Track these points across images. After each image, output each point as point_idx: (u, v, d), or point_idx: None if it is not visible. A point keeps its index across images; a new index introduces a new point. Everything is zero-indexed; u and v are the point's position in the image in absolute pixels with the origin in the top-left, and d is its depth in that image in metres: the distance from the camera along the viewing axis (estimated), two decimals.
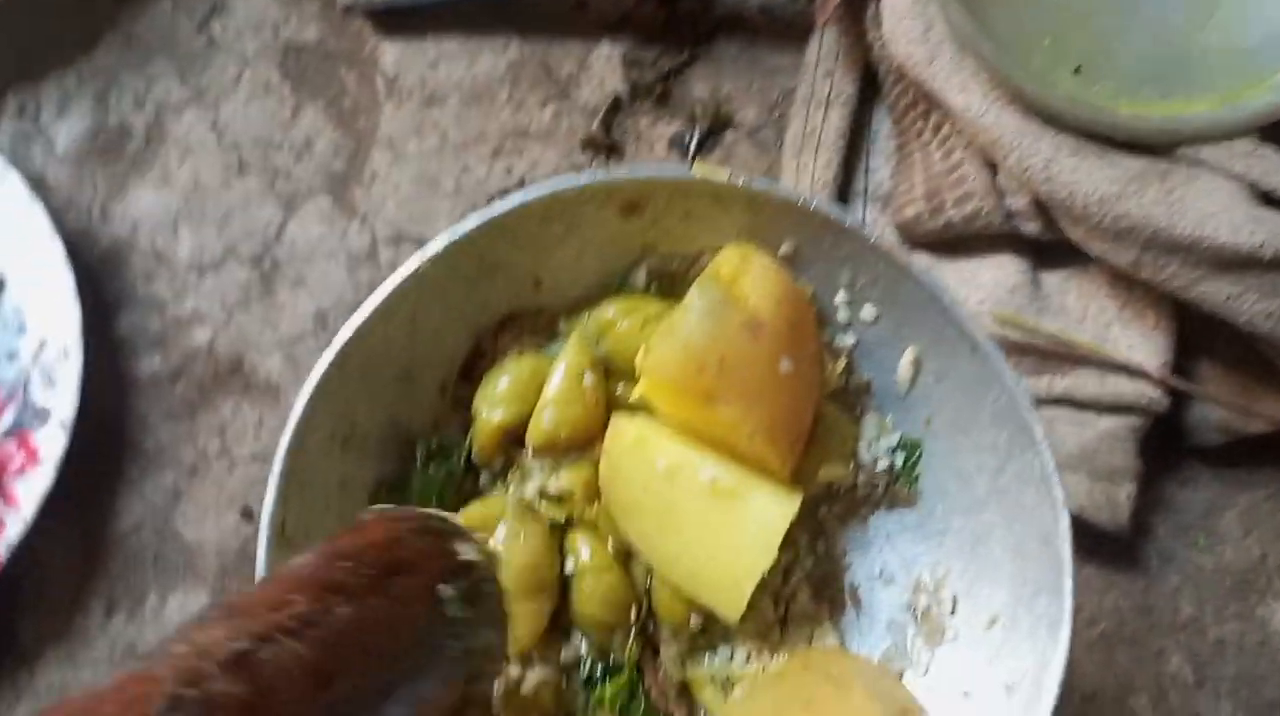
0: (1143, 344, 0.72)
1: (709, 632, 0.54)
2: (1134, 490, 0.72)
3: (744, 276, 0.52)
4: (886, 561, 0.57)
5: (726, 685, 0.54)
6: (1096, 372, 0.72)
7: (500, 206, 0.52)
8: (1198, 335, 0.73)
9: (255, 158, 0.84)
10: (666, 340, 0.50)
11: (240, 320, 0.81)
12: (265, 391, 0.79)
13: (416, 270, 0.51)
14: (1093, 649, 0.73)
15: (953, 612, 0.53)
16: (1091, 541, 0.73)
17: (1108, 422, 0.72)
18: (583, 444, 0.53)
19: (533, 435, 0.53)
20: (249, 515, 0.77)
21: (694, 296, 0.50)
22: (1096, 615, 0.74)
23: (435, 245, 0.52)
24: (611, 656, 0.54)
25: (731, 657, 0.54)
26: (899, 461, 0.56)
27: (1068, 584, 0.48)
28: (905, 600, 0.55)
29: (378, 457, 0.54)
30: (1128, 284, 0.73)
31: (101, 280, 0.81)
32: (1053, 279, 0.75)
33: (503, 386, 0.54)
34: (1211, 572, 0.74)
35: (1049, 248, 0.75)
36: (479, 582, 0.40)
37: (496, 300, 0.56)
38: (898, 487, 0.56)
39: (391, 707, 0.34)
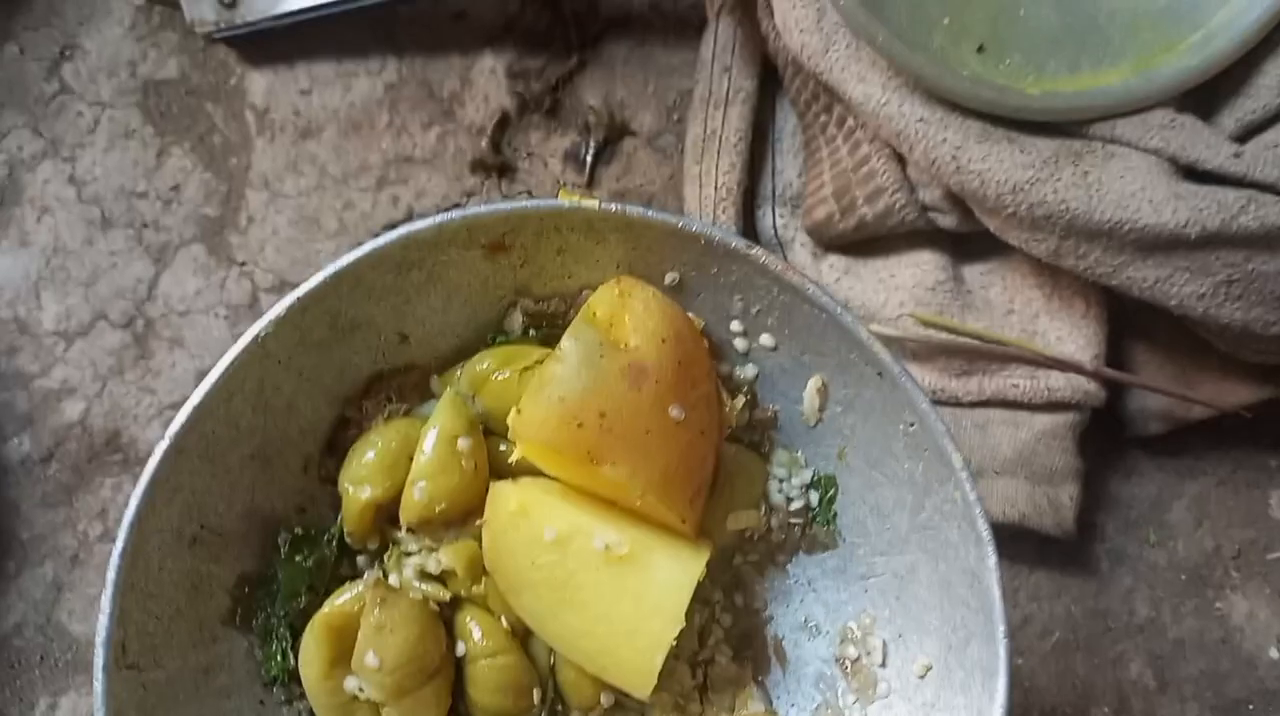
0: (1073, 334, 0.68)
1: (624, 709, 0.50)
2: (1077, 490, 0.68)
3: (624, 315, 0.47)
4: (810, 610, 0.52)
5: None
6: (1028, 369, 0.68)
7: (346, 258, 0.47)
8: (1130, 320, 0.69)
9: (119, 210, 0.78)
10: (538, 397, 0.45)
11: (114, 389, 0.74)
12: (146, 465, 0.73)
13: (255, 339, 0.46)
14: (1048, 660, 0.69)
15: (883, 664, 0.49)
16: (1038, 546, 0.69)
17: (1044, 421, 0.68)
18: (463, 516, 0.48)
19: (405, 511, 0.48)
20: None
21: (566, 344, 0.45)
22: (1049, 624, 0.70)
23: (276, 310, 0.46)
24: None
25: None
26: (814, 500, 0.51)
27: (1000, 629, 0.44)
28: (833, 652, 0.51)
29: (237, 553, 0.48)
30: (1053, 272, 0.69)
31: None
32: (975, 272, 0.71)
33: (369, 459, 0.49)
34: (1165, 569, 0.70)
35: (968, 240, 0.71)
36: None
37: (358, 362, 0.50)
38: (815, 529, 0.51)
39: None
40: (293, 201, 0.79)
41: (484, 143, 0.80)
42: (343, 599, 0.47)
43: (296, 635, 0.49)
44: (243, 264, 0.77)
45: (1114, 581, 0.70)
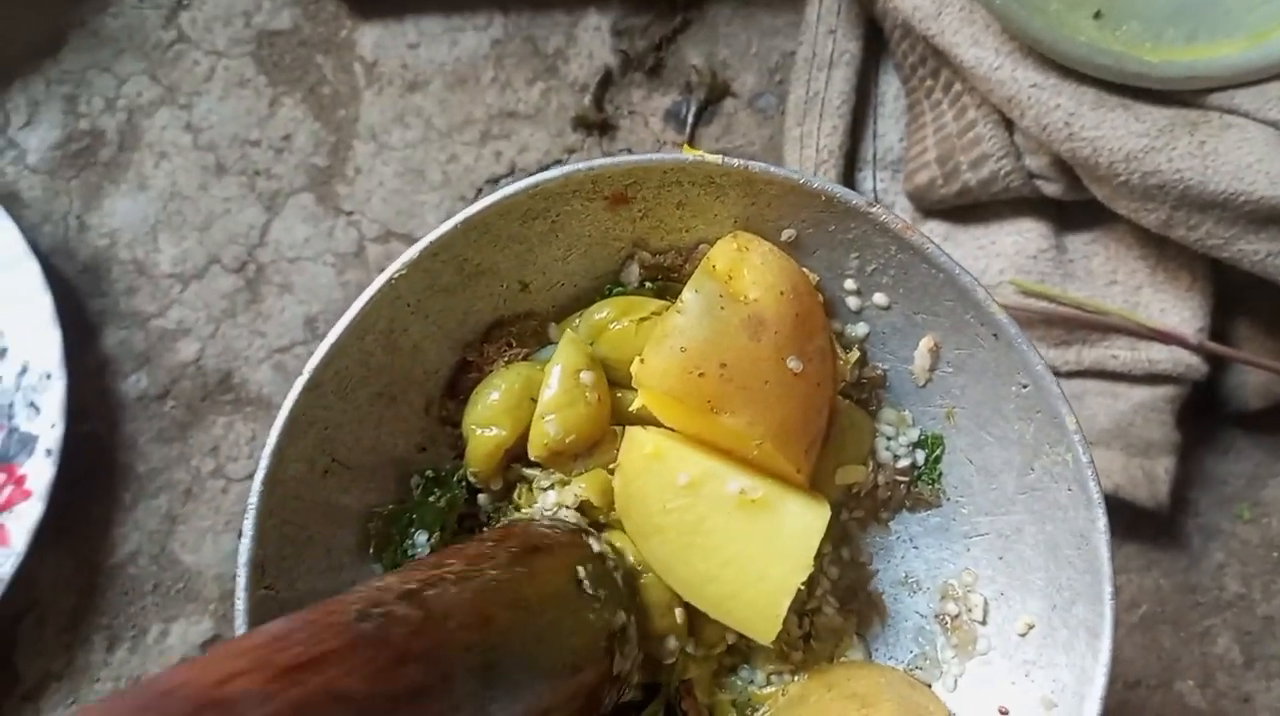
0: (1177, 307, 0.68)
1: (732, 650, 0.51)
2: (1172, 464, 0.68)
3: (742, 268, 0.48)
4: (912, 567, 0.53)
5: (748, 710, 0.51)
6: (1128, 341, 0.68)
7: (476, 206, 0.48)
8: (1234, 295, 0.69)
9: (233, 157, 0.81)
10: (660, 346, 0.46)
11: (227, 331, 0.77)
12: (257, 405, 0.76)
13: (389, 281, 0.48)
14: (1134, 632, 0.69)
15: (983, 621, 0.50)
16: (1130, 519, 0.69)
17: (1142, 393, 0.68)
18: (589, 447, 0.50)
19: (535, 446, 0.49)
20: None
21: (688, 295, 0.46)
22: (1138, 596, 0.70)
23: (409, 254, 0.48)
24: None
25: (752, 680, 0.51)
26: (920, 459, 0.52)
27: (1108, 590, 0.44)
28: (933, 608, 0.52)
29: (362, 486, 0.50)
30: (1159, 244, 0.68)
31: (82, 296, 0.78)
32: (1078, 242, 0.71)
33: (493, 400, 0.50)
34: (1258, 546, 0.70)
35: (1072, 209, 0.70)
36: (608, 569, 0.46)
37: (480, 308, 0.52)
38: (920, 487, 0.52)
39: (542, 654, 0.39)
40: (398, 153, 0.81)
41: (587, 99, 0.81)
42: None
43: None
44: (349, 213, 0.80)
45: (1205, 556, 0.70)
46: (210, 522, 0.74)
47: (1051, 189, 0.69)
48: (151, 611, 0.73)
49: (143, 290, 0.78)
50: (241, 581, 0.45)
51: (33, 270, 0.73)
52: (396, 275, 0.48)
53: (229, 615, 0.72)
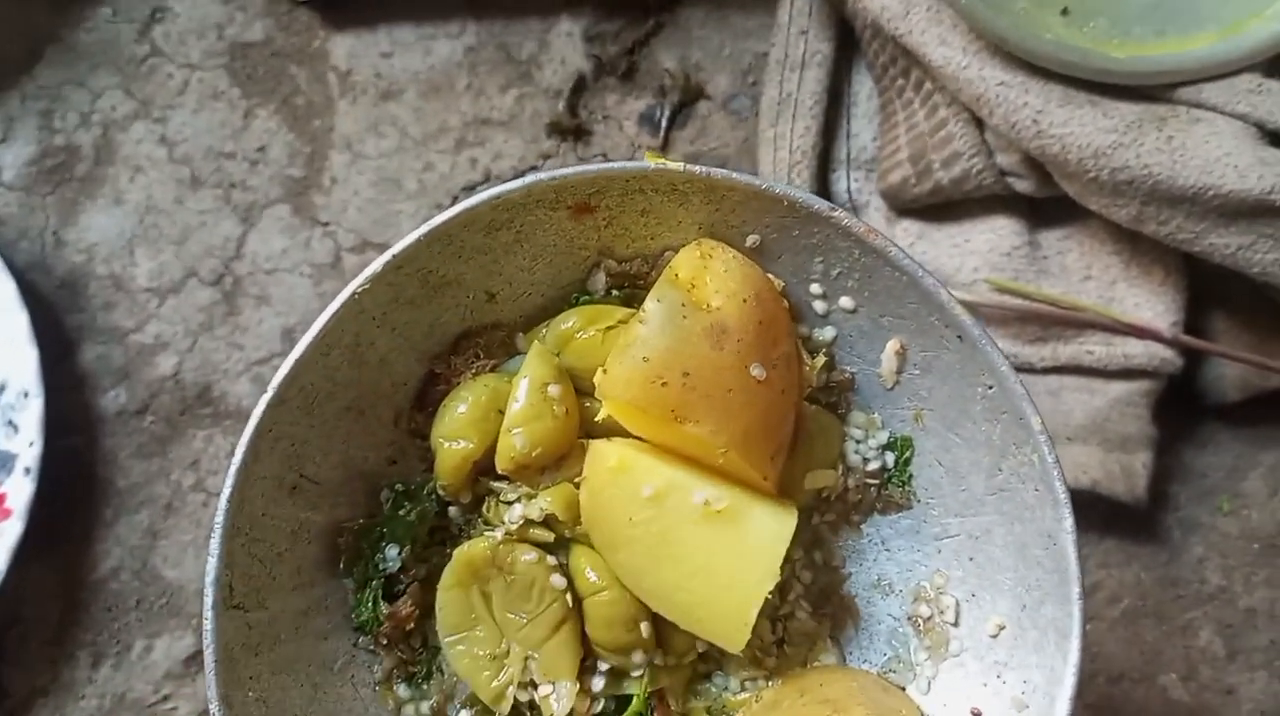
0: (1151, 302, 0.68)
1: (705, 658, 0.51)
2: (1150, 458, 0.68)
3: (705, 276, 0.48)
4: (884, 570, 0.53)
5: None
6: (1103, 336, 0.68)
7: (439, 219, 0.48)
8: (1209, 288, 0.69)
9: (208, 169, 0.81)
10: (623, 356, 0.46)
11: (205, 344, 0.77)
12: (236, 417, 0.76)
13: (353, 296, 0.48)
14: (1116, 626, 0.70)
15: (955, 623, 0.50)
16: (1109, 514, 0.69)
17: (1118, 388, 0.68)
18: (556, 461, 0.50)
19: (502, 460, 0.49)
20: None
21: (650, 305, 0.46)
22: (1119, 591, 0.70)
23: (372, 268, 0.48)
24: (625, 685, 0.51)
25: (726, 687, 0.51)
26: (890, 461, 0.52)
27: (1075, 590, 0.44)
28: (906, 610, 0.52)
29: (331, 501, 0.50)
30: (1132, 238, 0.68)
31: (60, 312, 0.78)
32: (1051, 238, 0.71)
33: (460, 413, 0.50)
34: (1238, 538, 0.70)
35: (1045, 205, 0.70)
36: None
37: (447, 320, 0.52)
38: (890, 490, 0.52)
39: None
40: (374, 163, 0.81)
41: (561, 105, 0.81)
42: (481, 545, 0.49)
43: (390, 587, 0.51)
44: (326, 224, 0.80)
45: (1185, 550, 0.70)
46: (192, 536, 0.74)
47: (1023, 186, 0.69)
48: (135, 627, 0.73)
49: (120, 305, 0.78)
50: (209, 601, 0.45)
51: (8, 288, 0.73)
52: (360, 289, 0.48)
53: None
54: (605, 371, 0.46)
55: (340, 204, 0.80)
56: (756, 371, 0.47)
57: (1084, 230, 0.70)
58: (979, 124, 0.69)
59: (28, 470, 0.70)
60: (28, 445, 0.71)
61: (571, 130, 0.80)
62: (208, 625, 0.45)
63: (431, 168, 0.80)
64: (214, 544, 0.45)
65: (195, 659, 0.72)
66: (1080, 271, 0.69)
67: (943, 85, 0.69)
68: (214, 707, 0.44)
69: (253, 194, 0.80)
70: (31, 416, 0.71)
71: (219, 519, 0.45)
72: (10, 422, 0.72)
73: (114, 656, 0.72)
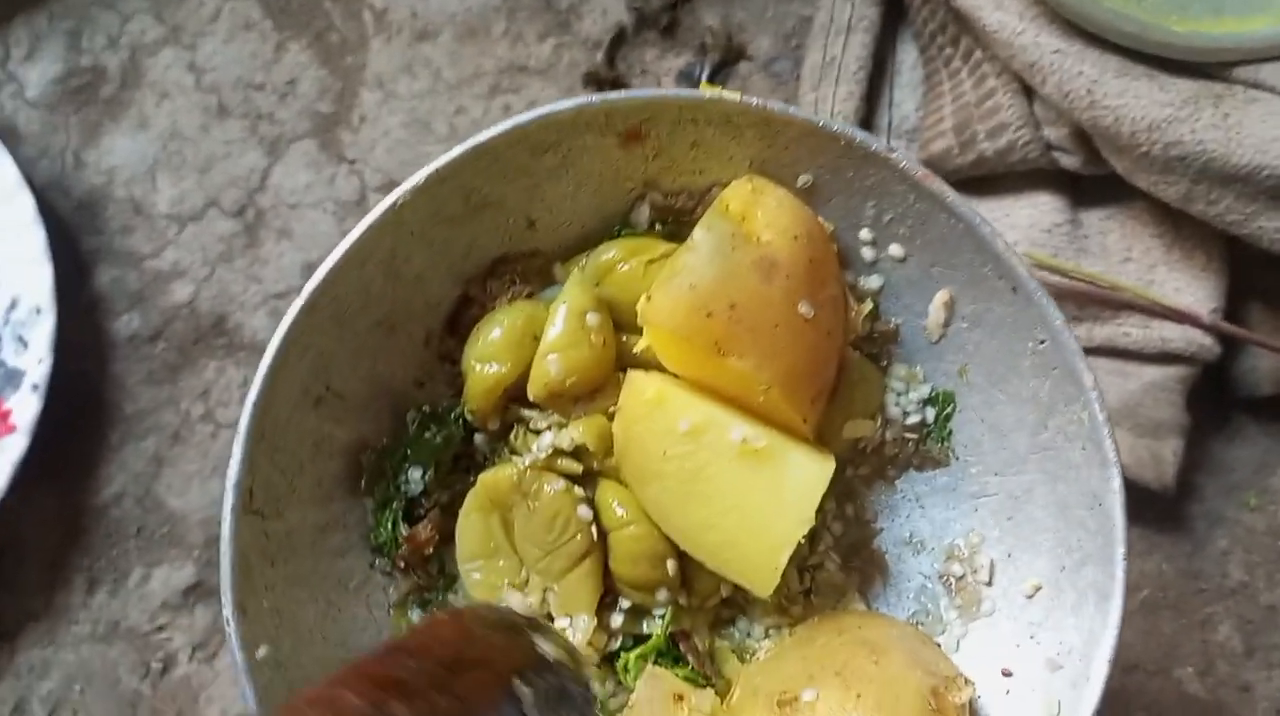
0: (1192, 287, 0.66)
1: (729, 604, 0.50)
2: (1180, 446, 0.67)
3: (756, 210, 0.47)
4: (917, 527, 0.52)
5: (747, 653, 0.49)
6: (1141, 318, 0.67)
7: (489, 132, 0.47)
8: (1248, 278, 0.68)
9: (236, 100, 0.79)
10: (669, 284, 0.45)
11: (223, 274, 0.76)
12: (250, 350, 0.74)
13: (394, 205, 0.46)
14: (1135, 617, 0.68)
15: (989, 582, 0.48)
16: (1134, 501, 0.67)
17: (1153, 373, 0.67)
18: (590, 392, 0.48)
19: (535, 385, 0.48)
20: None
21: (699, 233, 0.45)
22: (1139, 581, 0.69)
23: (415, 178, 0.47)
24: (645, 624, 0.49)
25: (749, 633, 0.50)
26: (930, 416, 0.51)
27: (1119, 551, 0.43)
28: (936, 568, 0.50)
29: (356, 418, 0.49)
30: (1175, 222, 0.67)
31: (76, 233, 0.76)
32: (1093, 217, 0.69)
33: (495, 337, 0.49)
34: (1263, 534, 0.69)
35: (1089, 183, 0.69)
36: (563, 683, 0.36)
37: (485, 242, 0.50)
38: (929, 446, 0.51)
39: None
40: (405, 103, 0.79)
41: (599, 57, 0.79)
42: (507, 471, 0.48)
43: (410, 510, 0.49)
44: (353, 162, 0.78)
45: (1209, 543, 0.69)
46: (197, 467, 0.72)
47: (1069, 161, 0.67)
48: (134, 555, 0.71)
49: (139, 230, 0.76)
50: (228, 504, 0.43)
51: (26, 203, 0.71)
52: (401, 200, 0.47)
53: (213, 561, 0.71)
54: (649, 298, 0.45)
55: (368, 142, 0.78)
56: (804, 309, 0.45)
57: (1127, 211, 0.69)
58: (1028, 96, 0.68)
59: (35, 387, 0.69)
60: (36, 362, 0.69)
61: (609, 82, 0.79)
62: (226, 529, 0.43)
63: (464, 112, 0.79)
64: (237, 447, 0.44)
65: (194, 590, 0.70)
66: (1120, 252, 0.68)
67: (993, 54, 0.68)
68: (228, 612, 0.42)
69: (280, 127, 0.79)
70: (42, 333, 0.69)
71: (243, 423, 0.44)
72: (20, 338, 0.70)
73: (110, 583, 0.71)
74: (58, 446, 0.72)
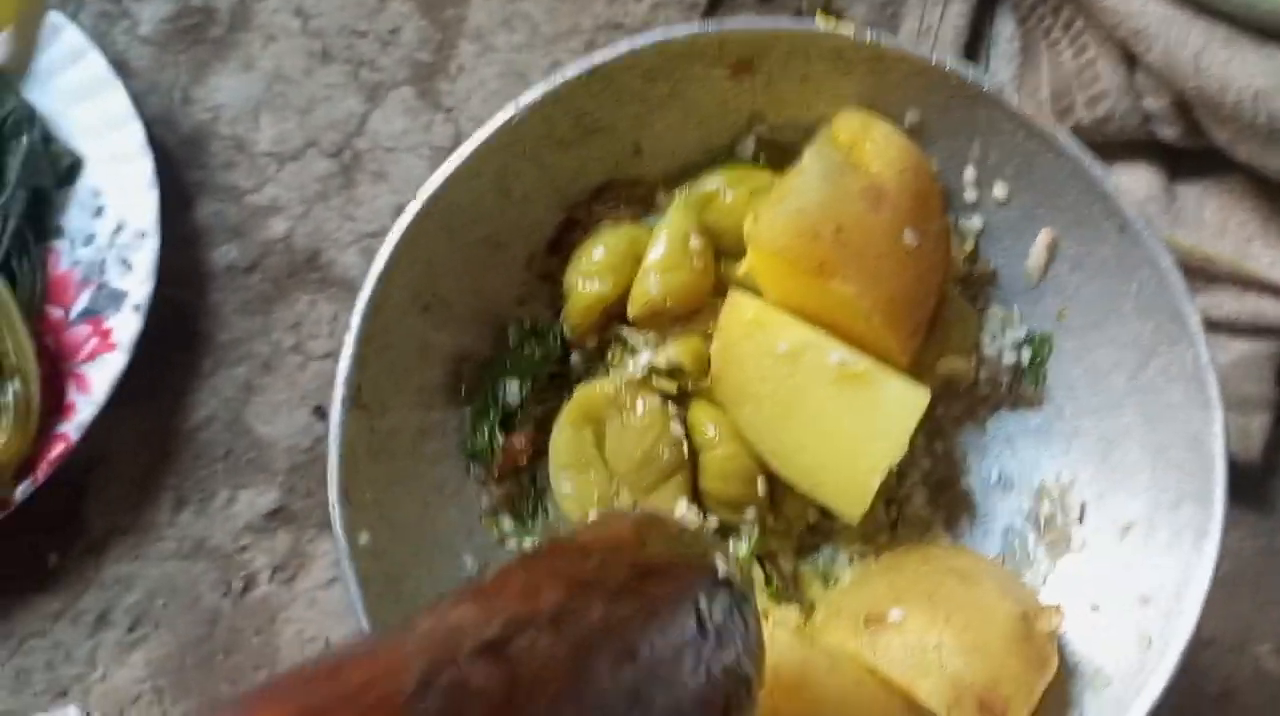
0: None
1: (815, 531, 0.50)
2: (1268, 421, 0.66)
3: (865, 142, 0.47)
4: (1006, 467, 0.52)
5: (831, 579, 0.50)
6: (1234, 291, 0.66)
7: (603, 53, 0.48)
8: None
9: (340, 45, 0.81)
10: (777, 206, 0.45)
11: (319, 213, 0.78)
12: (341, 286, 0.76)
13: (508, 122, 0.48)
14: (1212, 591, 0.67)
15: (1080, 521, 0.48)
16: None
17: (1243, 346, 0.66)
18: (689, 314, 0.49)
19: (635, 304, 0.49)
20: (321, 413, 0.74)
21: (809, 159, 0.46)
22: (1219, 556, 0.68)
23: (529, 97, 0.48)
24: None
25: (834, 561, 0.50)
26: (1025, 358, 0.51)
27: (1219, 491, 0.43)
28: (1025, 507, 0.51)
29: (459, 328, 0.50)
30: (1272, 196, 0.66)
31: (180, 166, 0.79)
32: (1190, 190, 0.69)
33: (598, 256, 0.50)
34: None
35: (1187, 156, 0.69)
36: (740, 603, 0.36)
37: (592, 167, 0.52)
38: (1022, 387, 0.51)
39: None
40: (502, 55, 0.81)
41: (697, 18, 0.80)
42: (604, 385, 0.49)
43: (506, 421, 0.51)
44: (449, 109, 0.80)
45: None
46: (286, 397, 0.74)
47: (1168, 132, 0.67)
48: (221, 477, 0.73)
49: (240, 166, 0.79)
50: (338, 396, 0.45)
51: (136, 132, 0.74)
52: (516, 118, 0.48)
53: (296, 487, 0.72)
54: (756, 219, 0.46)
55: (465, 92, 0.80)
56: (910, 238, 0.46)
57: (1223, 185, 0.68)
58: (1128, 66, 0.67)
59: (137, 307, 0.71)
60: (139, 283, 0.71)
61: None
62: (335, 419, 0.45)
63: (558, 66, 0.80)
64: (349, 342, 0.45)
65: (277, 514, 0.72)
66: (1216, 226, 0.68)
67: (1095, 23, 0.68)
68: (334, 497, 0.44)
69: (380, 74, 0.81)
70: (146, 256, 0.72)
71: (355, 320, 0.46)
72: (124, 261, 0.73)
73: (197, 502, 0.73)
74: (153, 370, 0.74)
